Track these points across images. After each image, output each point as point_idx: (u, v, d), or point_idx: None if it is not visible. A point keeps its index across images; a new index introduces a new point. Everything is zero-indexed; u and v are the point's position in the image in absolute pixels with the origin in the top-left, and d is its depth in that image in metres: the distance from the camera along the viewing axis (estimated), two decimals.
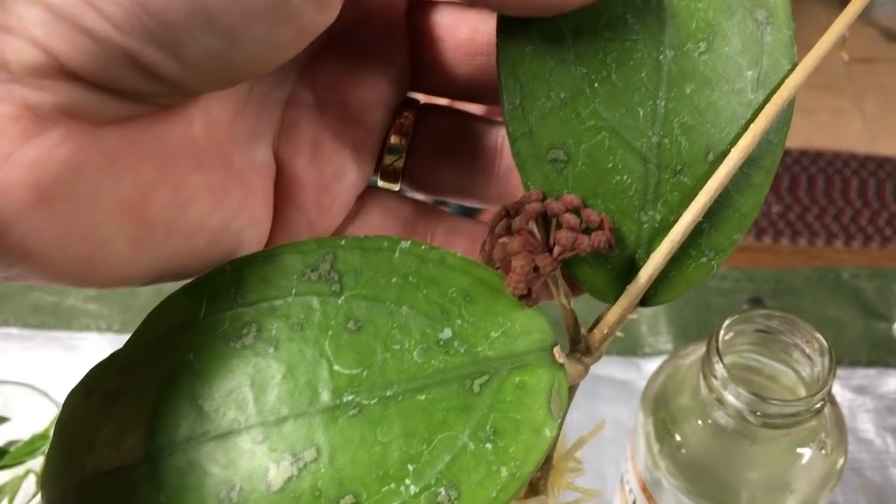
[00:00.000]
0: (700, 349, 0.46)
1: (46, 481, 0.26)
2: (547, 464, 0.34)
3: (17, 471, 0.54)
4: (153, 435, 0.25)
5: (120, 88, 0.23)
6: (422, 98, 0.34)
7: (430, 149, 0.34)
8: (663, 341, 0.70)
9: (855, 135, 2.04)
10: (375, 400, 0.25)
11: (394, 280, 0.27)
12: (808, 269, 0.74)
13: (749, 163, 0.29)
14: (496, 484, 0.24)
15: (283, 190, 0.31)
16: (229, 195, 0.28)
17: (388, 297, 0.27)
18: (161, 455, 0.25)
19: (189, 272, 0.27)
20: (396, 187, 0.34)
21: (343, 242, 0.27)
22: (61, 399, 0.57)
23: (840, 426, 0.45)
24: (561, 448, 0.35)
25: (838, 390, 0.67)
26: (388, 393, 0.25)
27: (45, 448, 0.53)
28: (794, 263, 0.75)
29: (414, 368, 0.26)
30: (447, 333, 0.26)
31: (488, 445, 0.25)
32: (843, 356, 0.69)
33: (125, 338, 0.27)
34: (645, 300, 0.29)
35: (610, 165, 0.29)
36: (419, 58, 0.32)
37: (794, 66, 0.29)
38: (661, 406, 0.47)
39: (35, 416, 0.56)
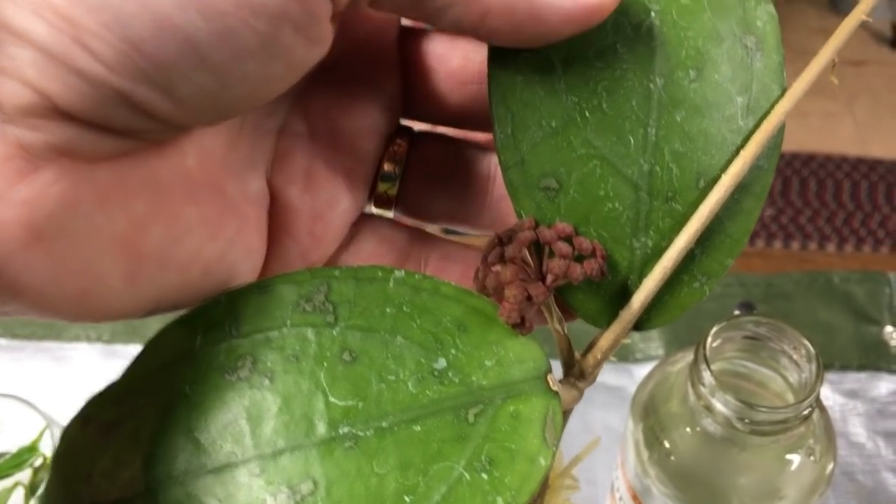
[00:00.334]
0: (689, 355, 0.46)
1: None
2: (543, 482, 0.34)
3: (6, 483, 0.54)
4: (150, 467, 0.25)
5: (112, 127, 0.23)
6: (415, 126, 0.34)
7: (424, 176, 0.34)
8: (655, 347, 0.70)
9: (846, 137, 2.05)
10: (371, 431, 0.25)
11: (388, 310, 0.27)
12: (799, 273, 0.74)
13: (739, 189, 0.29)
14: None
15: (276, 219, 0.31)
16: (223, 227, 0.28)
17: (382, 328, 0.27)
18: (159, 488, 0.25)
19: (183, 304, 0.27)
20: (390, 214, 0.34)
21: (337, 273, 0.27)
22: (51, 410, 0.57)
23: (829, 432, 0.46)
24: (557, 466, 0.35)
25: (829, 394, 0.68)
26: (384, 424, 0.26)
27: (33, 460, 0.53)
28: (786, 268, 0.75)
29: (409, 399, 0.26)
30: (441, 363, 0.27)
31: (484, 475, 0.25)
32: (834, 360, 0.69)
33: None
34: (638, 325, 0.30)
35: (602, 193, 0.29)
36: (411, 86, 0.33)
37: (784, 91, 0.29)
38: (650, 413, 0.47)
39: (23, 429, 0.56)
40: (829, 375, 0.69)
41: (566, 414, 0.30)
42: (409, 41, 0.32)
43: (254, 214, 0.29)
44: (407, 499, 0.25)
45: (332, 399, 0.26)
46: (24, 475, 0.55)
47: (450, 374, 0.26)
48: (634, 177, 0.29)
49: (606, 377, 0.68)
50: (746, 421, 0.41)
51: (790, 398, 0.44)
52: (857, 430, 0.66)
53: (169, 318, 0.28)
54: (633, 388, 0.63)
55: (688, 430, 0.45)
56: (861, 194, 1.93)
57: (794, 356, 0.44)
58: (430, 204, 0.34)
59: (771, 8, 0.29)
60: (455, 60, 0.32)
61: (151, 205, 0.25)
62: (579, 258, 0.28)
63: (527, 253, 0.28)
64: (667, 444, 0.45)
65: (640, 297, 0.29)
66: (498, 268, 0.28)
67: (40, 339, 0.70)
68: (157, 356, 0.27)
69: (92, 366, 0.67)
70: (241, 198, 0.29)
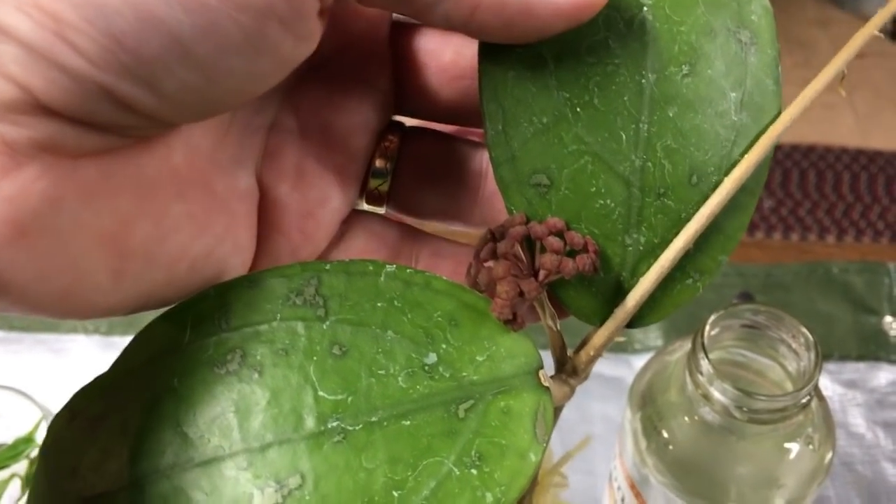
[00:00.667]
0: (686, 345, 0.46)
1: None
2: (532, 479, 0.34)
3: (2, 474, 0.54)
4: (137, 461, 0.25)
5: (97, 122, 0.23)
6: (407, 122, 0.34)
7: (415, 172, 0.34)
8: (653, 337, 0.70)
9: (846, 129, 2.04)
10: (360, 426, 0.25)
11: (379, 304, 0.27)
12: (798, 263, 0.74)
13: None
14: None
15: (266, 216, 0.31)
16: (212, 223, 0.28)
17: (373, 322, 0.27)
18: (146, 481, 0.25)
19: (171, 301, 0.27)
20: (381, 210, 0.34)
21: (328, 267, 0.27)
22: (49, 402, 0.57)
23: (827, 421, 0.46)
24: (546, 463, 0.35)
25: (828, 384, 0.67)
26: (373, 419, 0.25)
27: (30, 452, 0.53)
28: (784, 258, 0.75)
29: (399, 394, 0.26)
30: (432, 358, 0.26)
31: (473, 471, 0.25)
32: (833, 350, 0.69)
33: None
34: (631, 322, 0.29)
35: (593, 189, 0.29)
36: (403, 82, 0.32)
37: (779, 86, 0.29)
38: (648, 403, 0.47)
39: (20, 420, 0.56)
40: (829, 366, 0.69)
41: (557, 410, 0.30)
42: (401, 36, 0.32)
43: (243, 211, 0.29)
44: (395, 494, 0.24)
45: (321, 393, 0.26)
46: (21, 466, 0.55)
47: (440, 368, 0.26)
48: (626, 173, 0.29)
49: (604, 368, 0.68)
50: (745, 409, 0.41)
51: (789, 387, 0.44)
52: (857, 420, 0.66)
53: (163, 311, 0.28)
54: (630, 379, 0.63)
55: (686, 419, 0.45)
56: (861, 186, 1.92)
57: (793, 344, 0.44)
58: (422, 200, 0.34)
59: (765, 1, 0.29)
60: (447, 55, 0.32)
61: (138, 201, 0.25)
62: (571, 253, 0.28)
63: (519, 249, 0.28)
64: (665, 434, 0.45)
65: (635, 296, 0.29)
66: (490, 263, 0.28)
67: (38, 331, 0.70)
68: (146, 349, 0.27)
69: (89, 357, 0.67)
70: (229, 194, 0.29)
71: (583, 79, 0.28)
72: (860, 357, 0.69)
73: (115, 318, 0.67)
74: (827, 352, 0.69)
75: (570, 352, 0.30)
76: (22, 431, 0.56)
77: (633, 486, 0.48)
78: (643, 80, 0.28)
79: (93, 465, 0.25)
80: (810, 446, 0.44)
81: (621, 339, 0.30)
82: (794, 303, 0.72)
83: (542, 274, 0.27)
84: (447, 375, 0.26)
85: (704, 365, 0.42)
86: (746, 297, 0.71)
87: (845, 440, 0.65)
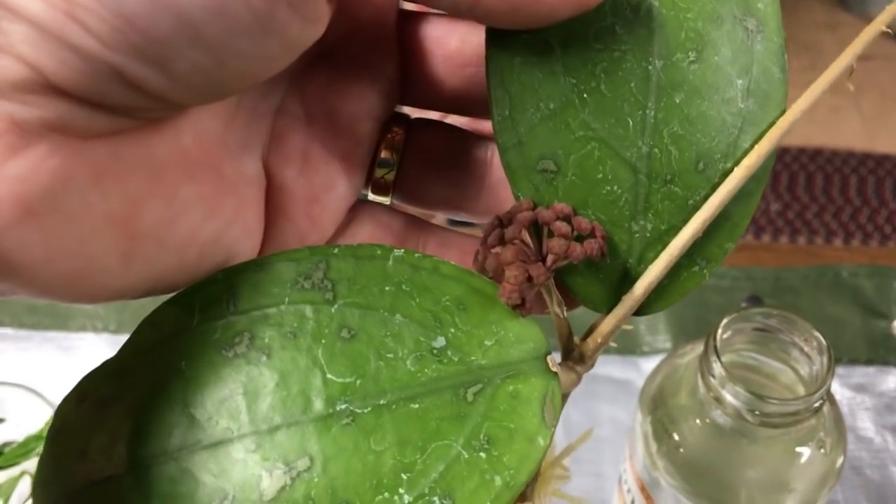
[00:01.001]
0: (698, 348, 0.46)
1: (38, 489, 0.26)
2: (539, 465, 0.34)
3: (12, 472, 0.54)
4: (145, 443, 0.25)
5: (107, 103, 0.23)
6: (413, 113, 0.34)
7: (421, 162, 0.34)
8: (662, 340, 0.70)
9: (853, 132, 2.04)
10: (369, 409, 0.25)
11: (387, 288, 0.27)
12: (806, 267, 0.74)
13: None
14: (490, 493, 0.24)
15: (273, 201, 0.31)
16: (221, 205, 0.28)
17: (381, 306, 0.27)
18: (153, 463, 0.25)
19: (180, 285, 0.27)
20: (387, 201, 0.34)
21: (336, 251, 0.27)
22: (57, 400, 0.57)
23: (839, 425, 0.45)
24: (548, 455, 0.35)
25: (837, 388, 0.67)
26: (382, 401, 0.25)
27: (40, 449, 0.54)
28: (793, 262, 0.75)
29: (407, 377, 0.26)
30: (441, 342, 0.26)
31: (482, 454, 0.25)
32: (842, 354, 0.69)
33: (122, 338, 0.27)
34: (639, 310, 0.29)
35: (600, 176, 0.29)
36: (408, 70, 0.32)
37: (786, 73, 0.29)
38: (658, 405, 0.47)
39: (30, 418, 0.56)
40: (838, 369, 0.68)
41: (564, 397, 0.29)
42: (407, 24, 0.32)
43: (251, 195, 0.29)
44: (404, 476, 0.24)
45: (329, 376, 0.26)
46: (31, 464, 0.55)
47: (449, 352, 0.26)
48: (633, 159, 0.29)
49: (613, 370, 0.68)
50: (756, 413, 0.41)
51: (800, 390, 0.44)
52: (866, 424, 0.66)
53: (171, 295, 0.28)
54: (639, 381, 0.63)
55: (697, 422, 0.44)
56: (868, 189, 1.92)
57: (805, 348, 0.43)
58: (428, 190, 0.34)
59: None
60: (453, 43, 0.32)
61: (147, 183, 0.25)
62: (578, 239, 0.28)
63: (526, 234, 0.28)
64: (676, 437, 0.45)
65: (643, 283, 0.29)
66: (498, 249, 0.28)
67: (47, 329, 0.70)
68: (154, 333, 0.27)
69: (98, 355, 0.65)
70: (238, 178, 0.29)
71: (590, 65, 0.28)
72: (869, 361, 0.69)
73: (124, 317, 0.69)
74: (836, 355, 0.68)
75: (577, 339, 0.30)
76: (32, 429, 0.56)
77: (643, 489, 0.48)
78: (650, 67, 0.28)
79: (101, 448, 0.25)
80: (822, 450, 0.44)
81: (628, 326, 0.29)
82: (802, 306, 0.72)
83: (549, 259, 0.27)
84: (455, 359, 0.26)
85: (717, 368, 0.42)
86: (755, 301, 0.71)
87: (854, 444, 0.65)
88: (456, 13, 0.27)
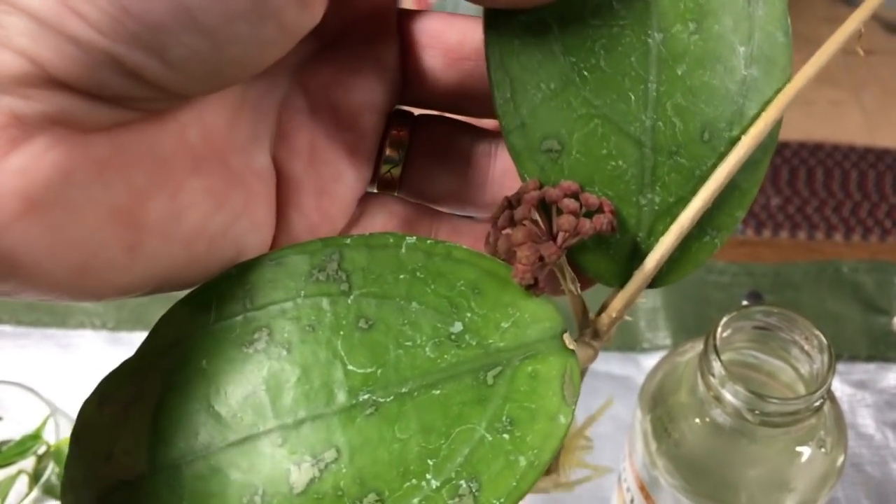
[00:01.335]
0: (698, 346, 0.46)
1: (67, 493, 0.26)
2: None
3: (10, 471, 0.54)
4: (172, 443, 0.25)
5: (107, 94, 0.23)
6: (415, 112, 0.34)
7: (426, 157, 0.34)
8: (662, 336, 0.70)
9: (854, 127, 2.04)
10: (391, 397, 0.26)
11: (402, 276, 0.27)
12: (807, 262, 0.74)
13: None
14: (515, 473, 0.25)
15: (283, 194, 0.31)
16: (229, 199, 0.28)
17: (397, 294, 0.27)
18: (182, 462, 0.25)
19: (188, 281, 0.27)
20: (393, 194, 0.34)
21: (349, 241, 0.27)
22: (56, 398, 0.57)
23: (840, 424, 0.45)
24: (571, 427, 0.35)
25: (838, 385, 0.67)
26: (404, 390, 0.26)
27: (37, 448, 0.53)
28: (793, 257, 0.75)
29: (427, 364, 0.26)
30: (458, 327, 0.27)
31: (505, 436, 0.25)
32: (842, 350, 0.69)
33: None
34: (652, 282, 0.30)
35: (604, 152, 0.29)
36: (408, 64, 0.32)
37: (789, 38, 0.29)
38: (658, 404, 0.47)
39: (27, 416, 0.56)
40: (838, 366, 0.68)
41: (583, 372, 0.30)
42: (406, 20, 0.32)
43: (260, 189, 0.29)
44: (430, 462, 0.25)
45: (350, 367, 0.26)
46: (28, 463, 0.55)
47: (466, 337, 0.26)
48: (637, 133, 0.29)
49: (613, 366, 0.68)
50: (757, 412, 0.41)
51: (801, 389, 0.44)
52: (866, 421, 0.66)
53: (176, 298, 0.28)
54: (639, 378, 0.63)
55: (697, 420, 0.44)
56: (869, 184, 1.92)
57: (806, 346, 0.43)
58: (434, 184, 0.34)
59: None
60: (452, 37, 0.31)
61: (152, 176, 0.25)
62: (587, 215, 0.28)
63: (535, 214, 0.28)
64: (675, 435, 0.45)
65: (655, 256, 0.29)
66: (508, 231, 0.28)
67: (45, 326, 0.70)
68: (171, 332, 0.27)
69: (97, 353, 0.67)
70: (246, 171, 0.29)
71: (588, 42, 0.28)
72: (870, 358, 0.69)
73: (123, 314, 0.69)
74: (836, 352, 0.68)
75: (591, 315, 0.30)
76: (29, 428, 0.56)
77: (642, 488, 0.48)
78: (649, 40, 0.28)
79: (127, 449, 0.25)
80: (822, 449, 0.44)
81: (642, 299, 0.30)
82: (803, 302, 0.71)
83: (560, 236, 0.27)
84: (473, 343, 0.26)
85: (716, 367, 0.41)
86: (755, 297, 0.71)
87: (854, 441, 0.65)
88: None
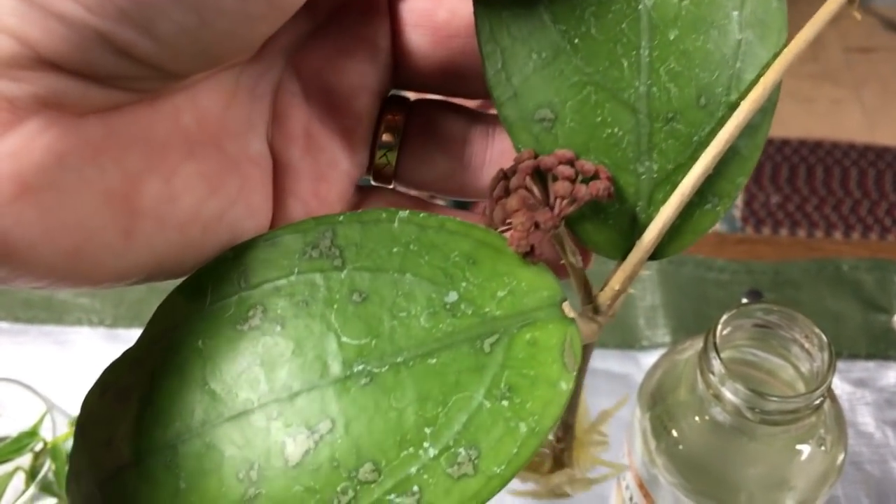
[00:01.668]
0: (697, 344, 0.45)
1: (71, 483, 0.26)
2: (570, 435, 0.34)
3: (6, 467, 0.54)
4: (169, 425, 0.25)
5: (98, 74, 0.23)
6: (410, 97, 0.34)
7: (422, 141, 0.34)
8: (661, 334, 0.69)
9: (854, 124, 2.04)
10: (386, 367, 0.25)
11: (395, 249, 0.27)
12: (806, 260, 0.73)
13: None
14: (516, 440, 0.24)
15: (280, 181, 0.31)
16: (224, 183, 0.28)
17: (390, 267, 0.27)
18: (178, 442, 0.25)
19: (184, 266, 0.27)
20: (390, 186, 0.34)
21: (341, 218, 0.27)
22: (52, 394, 0.57)
23: (840, 422, 0.45)
24: (584, 421, 0.35)
25: (837, 383, 0.66)
26: (399, 360, 0.25)
27: (34, 445, 0.53)
28: (793, 255, 0.74)
29: (422, 334, 0.26)
30: (453, 297, 0.26)
31: (504, 403, 0.25)
32: (842, 349, 0.68)
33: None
34: (654, 253, 0.29)
35: (599, 119, 0.28)
36: (397, 44, 0.32)
37: (783, 2, 0.28)
38: (657, 402, 0.46)
39: (24, 413, 0.56)
40: (838, 364, 0.67)
41: (587, 348, 0.30)
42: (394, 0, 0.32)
43: (256, 175, 0.29)
44: (427, 430, 0.24)
45: (344, 339, 0.26)
46: (25, 460, 0.55)
47: (462, 306, 0.26)
48: (631, 100, 0.28)
49: (612, 364, 0.68)
50: (756, 410, 0.41)
51: (801, 387, 0.44)
52: (866, 419, 0.65)
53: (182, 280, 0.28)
54: (638, 376, 0.63)
55: (696, 419, 0.44)
56: (868, 182, 1.91)
57: (806, 345, 0.43)
58: (431, 169, 0.34)
59: None
60: (441, 15, 0.31)
61: (146, 160, 0.25)
62: (584, 183, 0.27)
63: (530, 182, 0.27)
64: (675, 434, 0.44)
65: (657, 225, 0.28)
66: (504, 200, 0.28)
67: (42, 323, 0.70)
68: (169, 317, 0.27)
69: (94, 350, 0.67)
70: (241, 157, 0.29)
71: (578, 10, 0.28)
72: (869, 356, 0.68)
73: (120, 311, 0.69)
74: (836, 350, 0.68)
75: (595, 290, 0.29)
76: (26, 425, 0.56)
77: (641, 486, 0.48)
78: (640, 6, 0.28)
79: (126, 435, 0.25)
80: (822, 448, 0.43)
81: (646, 272, 0.29)
82: (803, 300, 0.71)
83: (556, 203, 0.27)
84: (469, 312, 0.26)
85: (716, 365, 0.41)
86: (755, 295, 0.71)
87: (854, 439, 0.64)
88: None
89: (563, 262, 0.29)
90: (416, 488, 0.24)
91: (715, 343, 0.41)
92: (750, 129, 0.28)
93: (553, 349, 0.26)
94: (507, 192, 0.28)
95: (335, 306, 0.26)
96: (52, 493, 0.53)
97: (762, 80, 0.28)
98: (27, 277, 0.24)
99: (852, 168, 1.94)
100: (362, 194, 0.33)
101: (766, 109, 0.29)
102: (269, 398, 0.25)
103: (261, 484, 0.24)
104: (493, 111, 0.30)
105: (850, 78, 2.10)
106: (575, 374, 0.25)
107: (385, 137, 0.33)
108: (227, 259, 0.27)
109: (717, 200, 0.29)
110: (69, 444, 0.53)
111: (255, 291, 0.27)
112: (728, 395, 0.41)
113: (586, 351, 0.30)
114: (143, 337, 0.27)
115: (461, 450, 0.24)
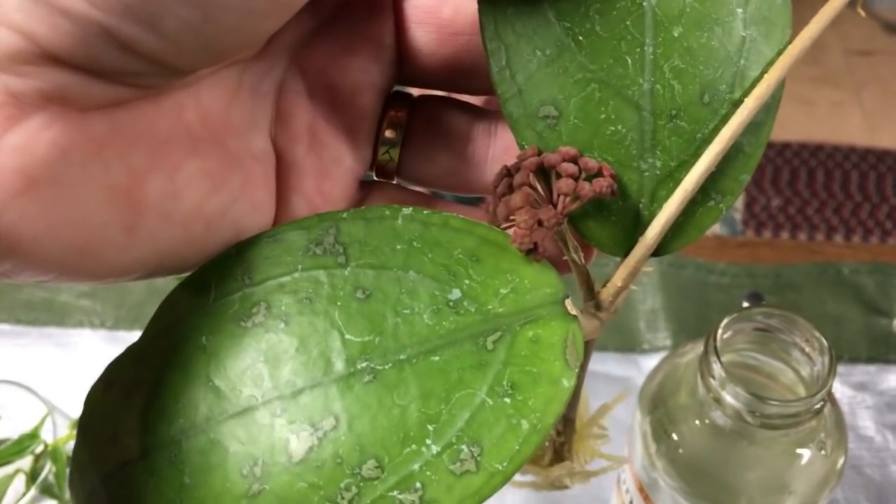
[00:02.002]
0: (698, 347, 0.45)
1: (75, 478, 0.26)
2: (570, 429, 0.34)
3: (7, 470, 0.54)
4: (173, 420, 0.25)
5: (102, 69, 0.23)
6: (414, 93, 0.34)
7: (425, 137, 0.34)
8: (662, 337, 0.69)
9: (855, 128, 2.04)
10: (389, 365, 0.25)
11: (399, 247, 0.27)
12: (807, 264, 0.73)
13: None
14: (518, 437, 0.24)
15: (284, 178, 0.31)
16: (227, 180, 0.28)
17: (394, 264, 0.27)
18: (182, 438, 0.25)
19: (187, 262, 0.27)
20: (393, 182, 0.34)
21: (345, 215, 0.27)
22: (54, 397, 0.57)
23: (840, 426, 0.45)
24: (584, 415, 0.35)
25: (838, 387, 0.67)
26: (402, 357, 0.25)
27: (34, 448, 0.53)
28: (794, 258, 0.74)
29: (426, 331, 0.26)
30: (456, 294, 0.26)
31: (507, 400, 0.25)
32: (842, 352, 0.68)
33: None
34: (657, 250, 0.29)
35: (603, 116, 0.28)
36: (402, 41, 0.32)
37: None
38: (658, 405, 0.46)
39: (24, 415, 0.56)
40: (838, 368, 0.67)
41: (589, 344, 0.30)
42: None
43: (260, 171, 0.29)
44: (430, 427, 0.25)
45: (347, 336, 0.26)
46: (26, 462, 0.55)
47: (465, 303, 0.26)
48: (635, 97, 0.28)
49: (612, 368, 0.68)
50: (757, 414, 0.41)
51: (801, 391, 0.44)
52: (866, 423, 0.65)
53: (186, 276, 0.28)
54: (639, 379, 0.63)
55: (697, 422, 0.44)
56: (869, 185, 1.92)
57: (806, 349, 0.43)
58: (433, 165, 0.34)
59: None
60: (445, 12, 0.31)
61: (150, 156, 0.25)
62: (588, 180, 0.27)
63: (534, 179, 0.27)
64: (675, 437, 0.44)
65: (660, 222, 0.28)
66: (508, 197, 0.28)
67: (44, 325, 0.70)
68: (173, 313, 0.27)
69: (95, 352, 0.67)
70: (244, 154, 0.29)
71: (583, 7, 0.28)
72: (870, 359, 0.68)
73: (121, 313, 0.69)
74: (837, 353, 0.68)
75: (597, 286, 0.29)
76: (27, 427, 0.56)
77: (641, 489, 0.48)
78: (644, 3, 0.28)
79: (130, 430, 0.26)
80: (822, 452, 0.43)
81: (648, 268, 0.29)
82: (803, 304, 0.71)
83: (560, 201, 0.27)
84: (472, 310, 0.26)
85: (716, 368, 0.41)
86: (756, 298, 0.71)
87: (854, 443, 0.64)
88: None
89: (565, 258, 0.29)
90: (418, 485, 0.24)
91: (715, 347, 0.42)
92: (753, 126, 0.28)
93: (555, 346, 0.26)
94: (510, 189, 0.28)
95: (339, 303, 0.26)
96: (53, 496, 0.53)
97: (766, 77, 0.28)
98: (31, 271, 0.24)
99: (853, 171, 1.94)
100: (365, 190, 0.33)
101: (770, 107, 0.29)
102: (272, 395, 0.25)
103: (265, 480, 0.24)
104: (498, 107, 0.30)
105: (850, 81, 2.10)
106: (577, 371, 0.26)
107: (388, 134, 0.33)
108: (231, 255, 0.27)
109: (719, 198, 0.29)
110: (70, 446, 0.53)
111: (259, 288, 0.27)
112: (728, 398, 0.41)
113: (588, 347, 0.30)
114: (147, 332, 0.27)
115: (464, 446, 0.24)
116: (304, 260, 0.27)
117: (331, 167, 0.31)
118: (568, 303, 0.27)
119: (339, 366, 0.25)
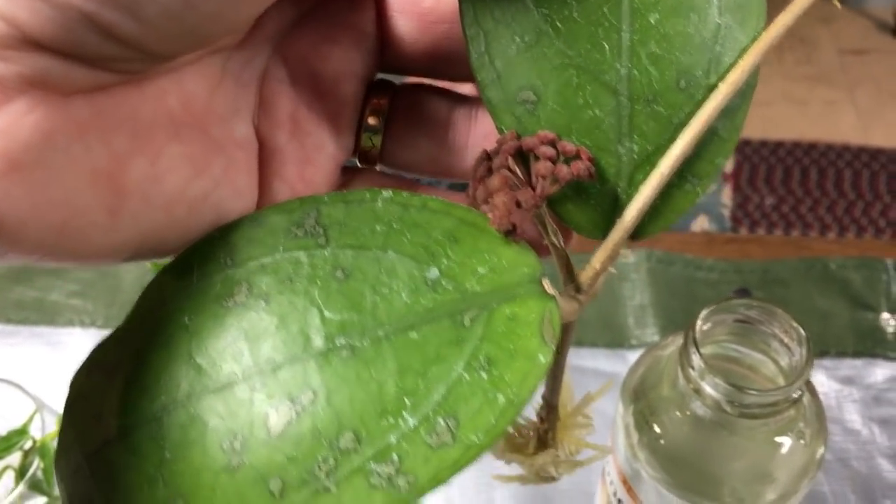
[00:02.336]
0: (679, 340, 0.45)
1: (59, 458, 0.27)
2: (553, 416, 0.34)
3: None
4: (155, 397, 0.26)
5: (83, 54, 0.24)
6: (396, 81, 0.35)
7: (407, 124, 0.34)
8: (650, 333, 0.70)
9: (848, 126, 2.04)
10: (368, 341, 0.26)
11: (378, 228, 0.27)
12: (795, 259, 0.73)
13: None
14: (494, 410, 0.25)
15: (267, 165, 0.31)
16: (209, 165, 0.28)
17: (373, 245, 0.27)
18: (164, 414, 0.25)
19: (170, 245, 0.28)
20: (376, 168, 0.35)
21: (326, 198, 0.28)
22: (43, 395, 0.57)
23: (819, 416, 0.45)
24: (568, 404, 0.36)
25: (825, 381, 0.67)
26: (380, 333, 0.26)
27: (23, 444, 0.53)
28: (783, 254, 0.75)
29: (404, 309, 0.26)
30: (434, 273, 0.27)
31: (483, 374, 0.25)
32: (830, 347, 0.69)
33: (109, 333, 0.28)
34: (635, 233, 0.30)
35: (581, 101, 0.29)
36: (382, 30, 0.33)
37: None
38: (640, 397, 0.47)
39: (13, 413, 0.56)
40: (825, 362, 0.68)
41: (568, 326, 0.30)
42: None
43: (242, 158, 0.30)
44: (407, 401, 0.25)
45: (327, 314, 0.26)
46: (14, 458, 0.55)
47: (443, 282, 0.27)
48: (613, 82, 0.29)
49: (601, 363, 0.68)
50: (736, 404, 0.41)
51: (781, 382, 0.44)
52: (853, 416, 0.65)
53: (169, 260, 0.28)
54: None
55: (678, 413, 0.44)
56: (863, 183, 1.92)
57: (785, 339, 0.43)
58: (415, 151, 0.34)
59: None
60: (426, 1, 0.32)
61: (132, 140, 0.26)
62: (566, 163, 0.28)
63: (512, 162, 0.28)
64: (657, 428, 0.45)
65: (637, 205, 0.29)
66: (487, 180, 0.28)
67: (34, 324, 0.70)
68: (156, 295, 0.27)
69: (85, 351, 0.66)
70: (227, 140, 0.29)
71: None
72: (857, 353, 0.68)
73: (111, 312, 0.69)
74: (824, 348, 0.68)
75: (577, 270, 0.30)
76: (16, 424, 0.56)
77: (625, 481, 0.48)
78: None
79: (113, 409, 0.26)
80: (802, 441, 0.44)
81: (627, 252, 0.30)
82: (791, 299, 0.71)
83: (538, 183, 0.27)
84: (450, 288, 0.27)
85: (696, 360, 0.41)
86: (744, 294, 0.71)
87: (841, 436, 0.64)
88: None
89: (545, 242, 0.29)
90: (395, 457, 0.24)
91: (695, 338, 0.42)
92: (728, 111, 0.29)
93: (532, 324, 0.26)
94: (489, 173, 0.28)
95: (318, 283, 0.27)
96: (42, 492, 0.53)
97: (739, 63, 0.28)
98: (16, 252, 0.24)
99: (846, 170, 1.95)
100: (348, 176, 0.34)
101: (745, 92, 0.29)
102: (252, 371, 0.25)
103: (244, 454, 0.24)
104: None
105: (844, 80, 2.11)
106: (553, 347, 0.26)
107: (370, 121, 0.33)
108: (214, 238, 0.28)
109: (696, 181, 0.29)
110: None
111: (241, 269, 0.27)
112: (708, 389, 0.42)
113: (568, 330, 0.30)
114: (131, 316, 0.27)
115: (440, 419, 0.25)
116: (286, 241, 0.27)
117: (313, 154, 0.32)
118: (545, 282, 0.27)
119: (317, 342, 0.26)
